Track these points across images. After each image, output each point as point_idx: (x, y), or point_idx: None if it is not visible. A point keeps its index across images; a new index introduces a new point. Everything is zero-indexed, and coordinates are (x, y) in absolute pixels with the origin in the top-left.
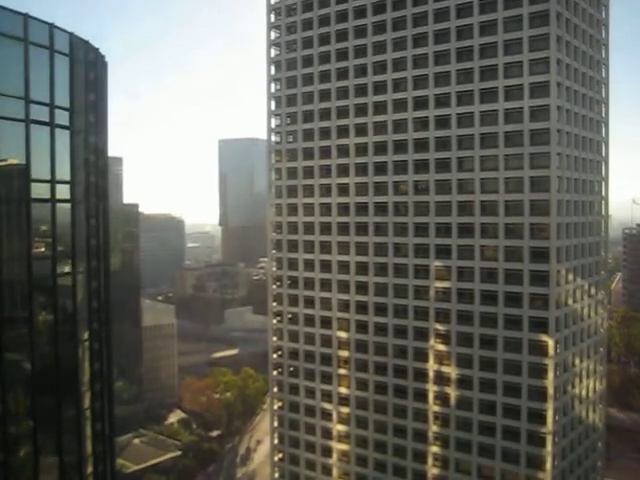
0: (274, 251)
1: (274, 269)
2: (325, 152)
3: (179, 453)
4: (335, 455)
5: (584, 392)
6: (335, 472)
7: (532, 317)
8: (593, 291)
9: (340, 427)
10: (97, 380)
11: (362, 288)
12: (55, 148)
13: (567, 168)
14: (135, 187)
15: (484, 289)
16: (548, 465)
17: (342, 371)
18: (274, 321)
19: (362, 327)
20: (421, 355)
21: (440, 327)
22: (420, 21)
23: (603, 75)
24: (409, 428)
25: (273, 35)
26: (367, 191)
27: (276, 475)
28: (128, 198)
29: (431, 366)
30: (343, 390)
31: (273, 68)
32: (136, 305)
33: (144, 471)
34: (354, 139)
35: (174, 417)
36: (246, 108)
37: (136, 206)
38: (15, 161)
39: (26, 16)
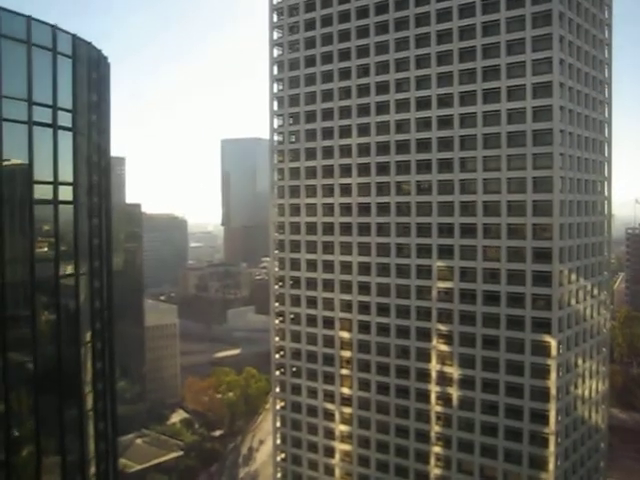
0: (276, 251)
1: (276, 269)
2: (327, 152)
3: (181, 453)
4: (337, 455)
5: (587, 392)
6: (337, 472)
7: (535, 317)
8: (596, 291)
9: (342, 427)
10: (99, 380)
11: (364, 288)
12: (58, 150)
13: (570, 168)
14: (138, 187)
15: (487, 289)
16: (551, 466)
17: (344, 371)
18: (276, 321)
19: (364, 327)
20: (423, 355)
21: (442, 327)
22: (423, 21)
23: (606, 75)
24: (411, 428)
25: (275, 35)
26: (369, 191)
27: (278, 475)
28: (130, 198)
29: (433, 366)
30: (345, 390)
31: (276, 68)
32: (139, 305)
33: (147, 471)
34: (356, 139)
35: (176, 417)
36: (249, 108)
37: (139, 206)
38: (18, 163)
39: (29, 18)
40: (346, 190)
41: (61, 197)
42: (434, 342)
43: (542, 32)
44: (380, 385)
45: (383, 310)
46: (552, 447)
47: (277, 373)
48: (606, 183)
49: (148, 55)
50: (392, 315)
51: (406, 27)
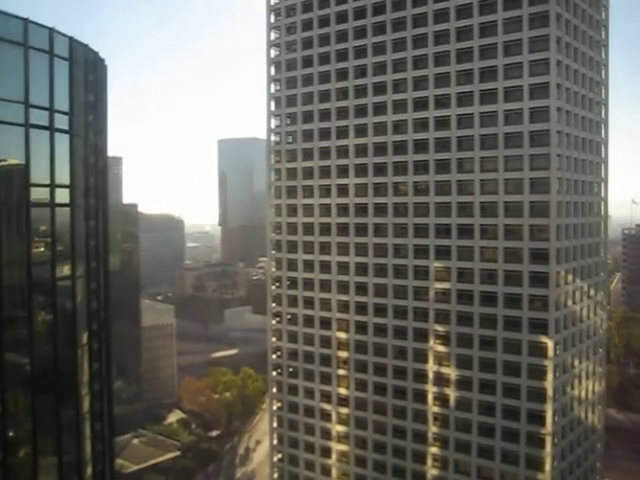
0: (273, 252)
1: (273, 270)
2: (325, 153)
3: (178, 453)
4: (334, 456)
5: (583, 393)
6: (334, 473)
7: (532, 318)
8: (593, 292)
9: (339, 428)
10: (96, 380)
11: (362, 289)
12: (55, 152)
13: (567, 169)
14: (134, 186)
15: (484, 290)
16: (547, 466)
17: (341, 372)
18: (273, 322)
19: (361, 328)
20: (421, 356)
21: (440, 328)
22: (420, 22)
23: (602, 76)
24: (408, 429)
25: (273, 36)
26: (367, 192)
27: (275, 475)
28: (127, 198)
29: (431, 367)
30: (342, 391)
31: (273, 69)
32: (135, 305)
33: (143, 471)
34: (354, 140)
35: (173, 417)
36: (246, 107)
37: (135, 206)
38: (15, 165)
39: (26, 20)
40: (343, 191)
41: (58, 200)
42: (431, 343)
43: (539, 33)
44: (377, 385)
45: (380, 311)
46: (549, 448)
47: (274, 373)
48: (603, 184)
49: (144, 51)
50: (389, 316)
51: (403, 28)
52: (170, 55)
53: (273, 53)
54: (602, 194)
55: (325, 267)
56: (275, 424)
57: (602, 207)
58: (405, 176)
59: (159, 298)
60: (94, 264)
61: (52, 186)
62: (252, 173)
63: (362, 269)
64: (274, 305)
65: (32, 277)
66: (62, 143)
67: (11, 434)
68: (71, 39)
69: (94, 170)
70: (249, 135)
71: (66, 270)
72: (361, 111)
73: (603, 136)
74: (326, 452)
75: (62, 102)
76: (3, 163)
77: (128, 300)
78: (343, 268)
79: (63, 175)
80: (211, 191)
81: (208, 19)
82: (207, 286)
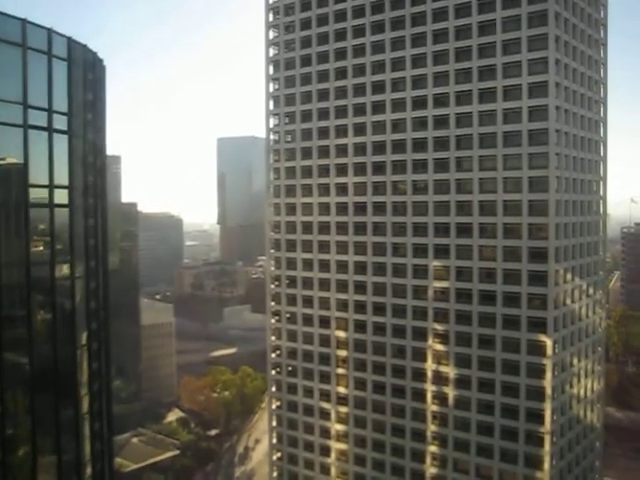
0: (272, 250)
1: (272, 268)
2: (323, 152)
3: (177, 452)
4: (333, 454)
5: (582, 392)
6: (333, 471)
7: (530, 317)
8: (591, 291)
9: (338, 426)
10: (95, 380)
11: (361, 288)
12: (53, 153)
13: (566, 168)
14: (133, 186)
15: (482, 289)
16: (546, 465)
17: (340, 371)
18: (272, 320)
19: (360, 327)
20: (419, 355)
21: (438, 327)
22: (418, 21)
23: (601, 75)
24: (407, 428)
25: (271, 34)
26: (366, 191)
27: (274, 474)
28: (126, 197)
29: (429, 366)
30: (341, 390)
31: (271, 67)
32: (134, 304)
33: (142, 470)
34: (352, 139)
35: (172, 416)
36: (244, 105)
37: (134, 205)
38: (13, 166)
39: (24, 21)
40: (342, 189)
41: (57, 200)
42: (430, 341)
43: (538, 32)
44: (376, 384)
45: (379, 309)
46: (547, 446)
47: (273, 372)
48: (601, 183)
49: (141, 48)
50: (388, 314)
51: (402, 27)
52: (168, 52)
53: (272, 52)
54: (601, 193)
55: (324, 266)
56: (274, 423)
57: (601, 206)
58: (404, 175)
59: (158, 297)
60: (93, 263)
61: (51, 187)
62: (251, 172)
63: (361, 268)
64: (273, 304)
65: (31, 277)
66: (61, 144)
67: (10, 433)
68: (69, 39)
69: (93, 169)
70: (248, 134)
71: (65, 270)
72: (360, 110)
73: (602, 135)
74: (325, 451)
75: (61, 103)
76: (2, 162)
77: (127, 299)
78: (342, 267)
79: (62, 176)
80: (210, 190)
81: (205, 16)
82: (206, 285)
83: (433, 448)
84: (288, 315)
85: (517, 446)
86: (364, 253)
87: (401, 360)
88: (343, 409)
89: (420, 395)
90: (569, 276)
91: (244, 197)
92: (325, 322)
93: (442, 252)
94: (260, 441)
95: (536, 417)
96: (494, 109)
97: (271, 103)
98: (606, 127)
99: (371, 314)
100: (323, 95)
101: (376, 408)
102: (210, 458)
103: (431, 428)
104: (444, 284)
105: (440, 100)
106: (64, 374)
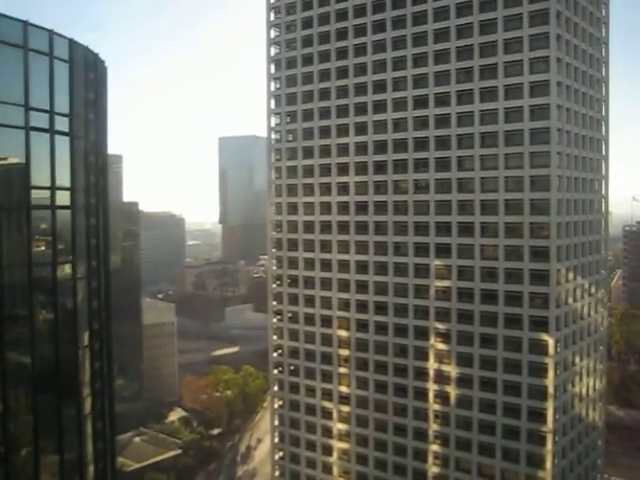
0: (274, 250)
1: (274, 268)
2: (325, 151)
3: (180, 451)
4: (335, 454)
5: (584, 390)
6: (335, 470)
7: (532, 316)
8: (593, 290)
9: (340, 426)
10: (97, 379)
11: (362, 287)
12: (55, 154)
13: (567, 167)
14: (135, 185)
15: (484, 288)
16: (548, 464)
17: (342, 370)
18: (274, 320)
19: (362, 326)
20: (421, 354)
21: (440, 326)
22: (420, 20)
23: (603, 74)
24: (409, 427)
25: (273, 33)
26: (367, 190)
27: (277, 473)
28: (128, 196)
29: (431, 365)
30: (343, 389)
31: (273, 66)
32: (136, 303)
33: (145, 469)
34: (354, 138)
35: (174, 415)
36: (246, 103)
37: (136, 204)
38: (15, 168)
39: (26, 23)
40: (344, 189)
41: (58, 202)
42: (432, 340)
43: (539, 31)
44: (378, 383)
45: (381, 309)
46: (550, 445)
47: (275, 371)
48: (603, 181)
49: (138, 42)
50: (390, 314)
51: (403, 26)
52: (167, 49)
53: (273, 51)
54: (603, 191)
55: (326, 265)
56: (276, 422)
57: (603, 204)
58: (405, 174)
59: (160, 296)
60: (95, 263)
61: (53, 188)
62: (253, 171)
63: (363, 267)
64: (275, 303)
65: (33, 277)
66: (62, 145)
67: (13, 433)
68: (71, 41)
69: (94, 170)
70: (249, 133)
71: (67, 270)
72: (361, 109)
73: (603, 133)
74: (327, 450)
75: (62, 104)
76: (3, 162)
77: (129, 299)
78: (344, 266)
79: (64, 177)
80: (211, 189)
81: (202, 10)
82: (208, 284)
83: (435, 447)
84: (290, 314)
85: (519, 445)
86: (366, 252)
87: (403, 359)
88: (345, 408)
89: (422, 394)
90: (571, 275)
91: (246, 196)
92: (327, 321)
93: (444, 251)
94: (262, 440)
95: (538, 416)
96: (495, 108)
97: (272, 102)
98: (607, 125)
99: (373, 313)
100: (324, 94)
101: (378, 407)
102: (212, 457)
103: (433, 427)
104: (446, 283)
105: (441, 99)
106: (66, 374)
